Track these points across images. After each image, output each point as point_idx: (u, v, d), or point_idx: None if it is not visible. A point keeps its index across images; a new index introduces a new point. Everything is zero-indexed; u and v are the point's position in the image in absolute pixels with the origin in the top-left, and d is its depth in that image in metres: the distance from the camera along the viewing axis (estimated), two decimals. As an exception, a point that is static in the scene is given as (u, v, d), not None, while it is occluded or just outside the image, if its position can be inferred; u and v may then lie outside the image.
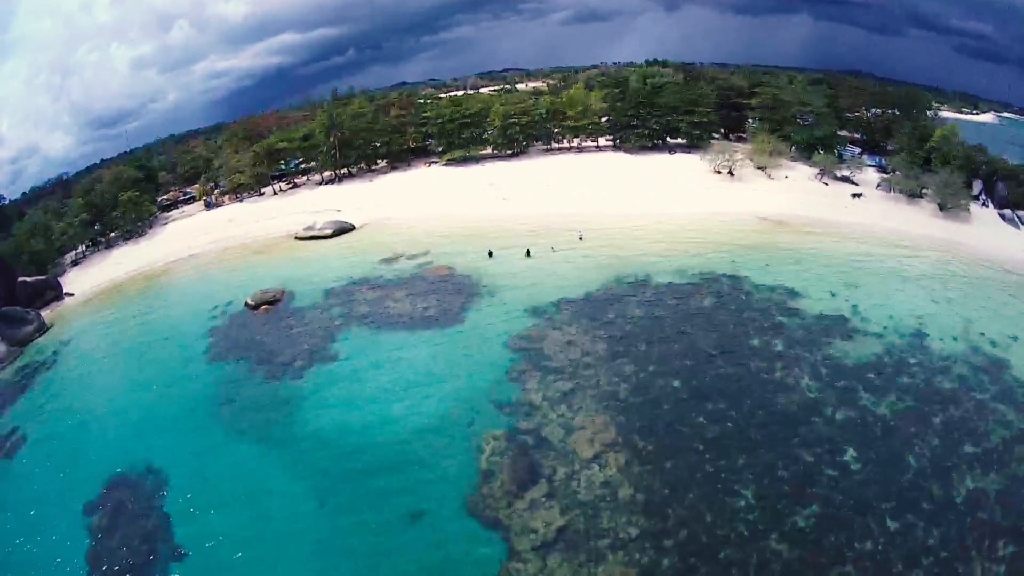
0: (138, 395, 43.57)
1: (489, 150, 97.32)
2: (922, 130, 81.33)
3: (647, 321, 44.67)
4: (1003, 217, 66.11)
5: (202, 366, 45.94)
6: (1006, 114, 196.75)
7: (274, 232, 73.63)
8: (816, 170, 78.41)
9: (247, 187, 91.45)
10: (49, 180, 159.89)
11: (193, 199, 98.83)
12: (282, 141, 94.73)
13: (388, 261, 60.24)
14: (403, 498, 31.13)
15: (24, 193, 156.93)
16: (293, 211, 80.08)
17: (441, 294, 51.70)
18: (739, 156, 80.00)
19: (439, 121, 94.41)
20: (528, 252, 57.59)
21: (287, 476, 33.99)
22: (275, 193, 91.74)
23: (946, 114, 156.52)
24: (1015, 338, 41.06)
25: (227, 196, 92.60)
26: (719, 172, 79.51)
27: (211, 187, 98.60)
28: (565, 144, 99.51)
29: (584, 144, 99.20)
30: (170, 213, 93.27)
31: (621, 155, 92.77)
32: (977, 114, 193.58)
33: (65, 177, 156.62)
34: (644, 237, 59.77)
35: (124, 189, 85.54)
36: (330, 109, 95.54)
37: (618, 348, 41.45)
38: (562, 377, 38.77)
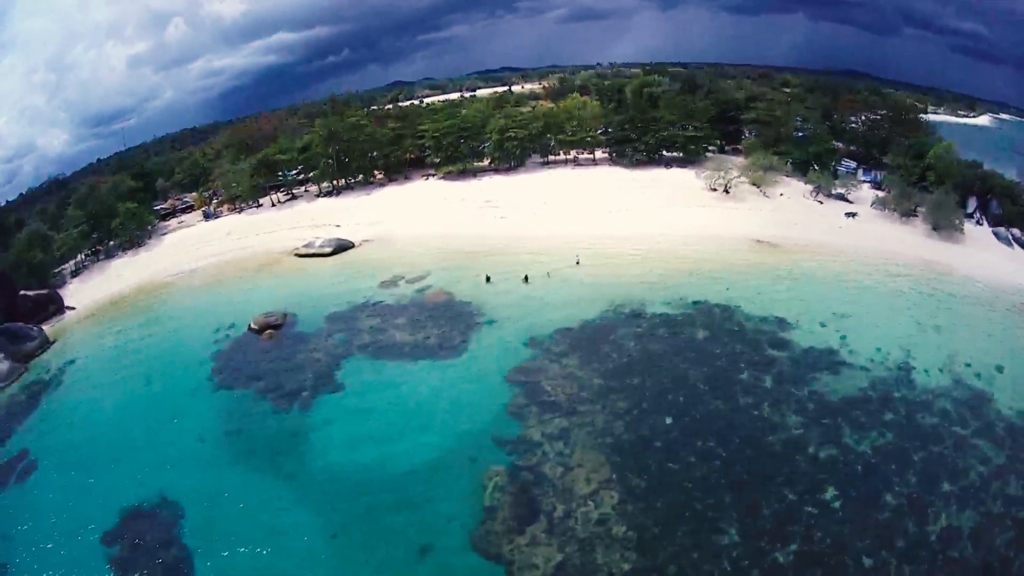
0: (147, 422, 44.74)
1: (487, 162, 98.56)
2: (918, 147, 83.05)
3: (641, 355, 45.94)
4: (997, 236, 67.55)
5: (209, 393, 47.20)
6: (1003, 115, 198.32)
7: (273, 248, 74.80)
8: (811, 188, 79.94)
9: (245, 198, 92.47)
10: (45, 180, 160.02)
11: (191, 207, 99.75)
12: (280, 152, 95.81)
13: (388, 284, 61.39)
14: (411, 531, 32.73)
15: (21, 194, 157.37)
16: (292, 225, 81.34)
17: (441, 322, 52.92)
18: (734, 173, 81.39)
19: (436, 135, 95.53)
20: (526, 278, 58.94)
21: (297, 507, 35.45)
22: (273, 205, 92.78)
23: (942, 117, 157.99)
24: (1000, 368, 42.51)
25: (225, 206, 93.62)
26: (714, 190, 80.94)
27: (209, 196, 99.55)
28: (562, 157, 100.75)
29: (581, 157, 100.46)
30: (168, 223, 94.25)
31: (617, 169, 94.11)
32: (974, 116, 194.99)
33: (61, 177, 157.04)
34: (639, 262, 61.12)
35: (122, 199, 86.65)
36: (329, 123, 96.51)
37: (613, 383, 42.83)
38: (559, 413, 40.18)
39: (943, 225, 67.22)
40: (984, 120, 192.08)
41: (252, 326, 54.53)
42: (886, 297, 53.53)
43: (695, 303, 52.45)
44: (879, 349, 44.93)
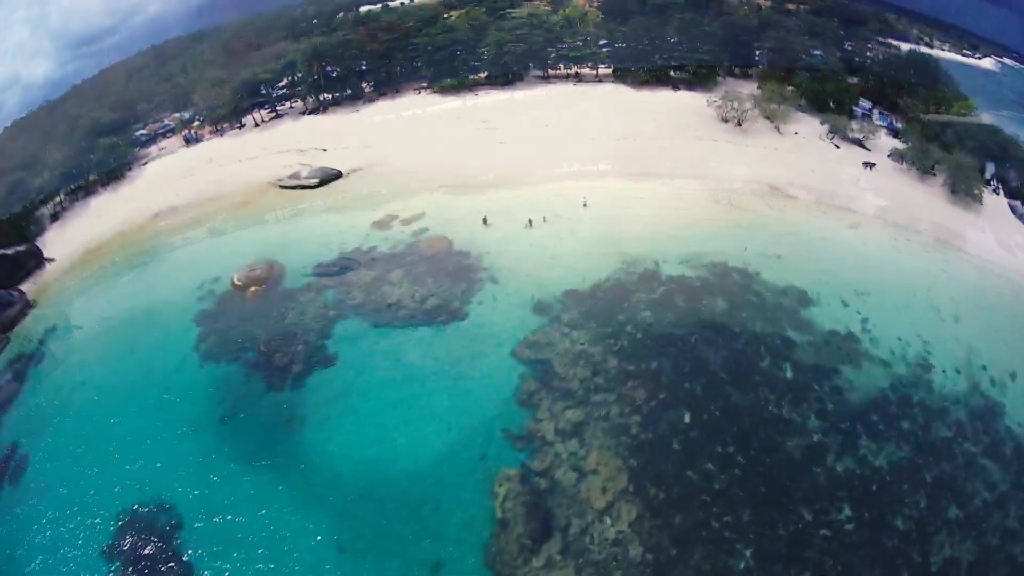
0: (137, 407, 41.76)
1: (483, 76, 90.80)
2: (936, 99, 78.45)
3: (656, 330, 43.88)
4: (1013, 211, 64.47)
5: (196, 369, 44.12)
6: (1005, 60, 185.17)
7: (257, 178, 68.85)
8: (826, 128, 75.23)
9: (227, 118, 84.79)
10: (31, 109, 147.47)
11: (172, 131, 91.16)
12: (263, 72, 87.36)
13: (380, 225, 57.56)
14: (422, 546, 31.96)
15: (6, 127, 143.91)
16: (276, 149, 74.84)
17: (439, 276, 49.88)
18: (747, 105, 76.15)
19: (429, 49, 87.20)
20: (530, 222, 55.75)
21: (301, 510, 34.37)
22: (256, 125, 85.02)
23: (948, 55, 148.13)
24: (1014, 375, 41.23)
25: (207, 129, 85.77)
26: (726, 120, 75.98)
27: (190, 118, 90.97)
28: (562, 71, 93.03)
29: (583, 72, 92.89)
30: (149, 149, 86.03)
31: (622, 88, 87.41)
32: (978, 58, 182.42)
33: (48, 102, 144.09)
34: (650, 204, 58.14)
35: (101, 135, 79.01)
36: (315, 42, 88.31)
37: (628, 366, 41.03)
38: (573, 402, 38.68)
39: (962, 189, 64.05)
40: (988, 64, 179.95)
41: (235, 283, 50.62)
42: (907, 275, 50.95)
43: (712, 265, 49.60)
44: (900, 339, 43.22)
